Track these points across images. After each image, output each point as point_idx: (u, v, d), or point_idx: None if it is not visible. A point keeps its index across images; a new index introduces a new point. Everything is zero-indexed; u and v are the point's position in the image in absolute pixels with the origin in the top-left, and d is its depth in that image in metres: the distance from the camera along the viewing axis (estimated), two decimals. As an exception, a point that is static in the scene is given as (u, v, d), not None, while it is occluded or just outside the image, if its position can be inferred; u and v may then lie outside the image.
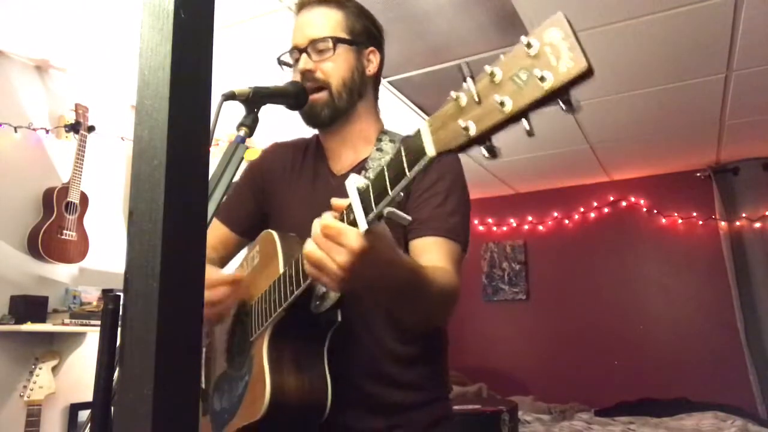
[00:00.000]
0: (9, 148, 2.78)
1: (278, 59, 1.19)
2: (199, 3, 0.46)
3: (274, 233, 1.05)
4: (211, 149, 0.55)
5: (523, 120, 0.52)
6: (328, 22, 1.15)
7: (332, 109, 1.14)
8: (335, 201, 0.79)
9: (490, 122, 0.53)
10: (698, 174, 4.51)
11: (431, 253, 1.02)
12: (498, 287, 5.17)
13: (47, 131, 2.93)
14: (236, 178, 0.94)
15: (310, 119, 1.16)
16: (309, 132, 1.31)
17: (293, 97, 1.10)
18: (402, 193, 0.69)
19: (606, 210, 4.88)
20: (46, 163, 2.94)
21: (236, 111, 0.95)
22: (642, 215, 4.74)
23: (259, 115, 0.99)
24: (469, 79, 0.56)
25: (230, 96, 0.94)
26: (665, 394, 4.18)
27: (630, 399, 4.23)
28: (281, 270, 0.96)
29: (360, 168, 1.15)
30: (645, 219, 4.72)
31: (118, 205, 3.27)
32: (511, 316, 5.07)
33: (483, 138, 0.55)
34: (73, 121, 2.93)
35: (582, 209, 4.96)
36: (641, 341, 4.50)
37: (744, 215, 4.32)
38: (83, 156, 2.89)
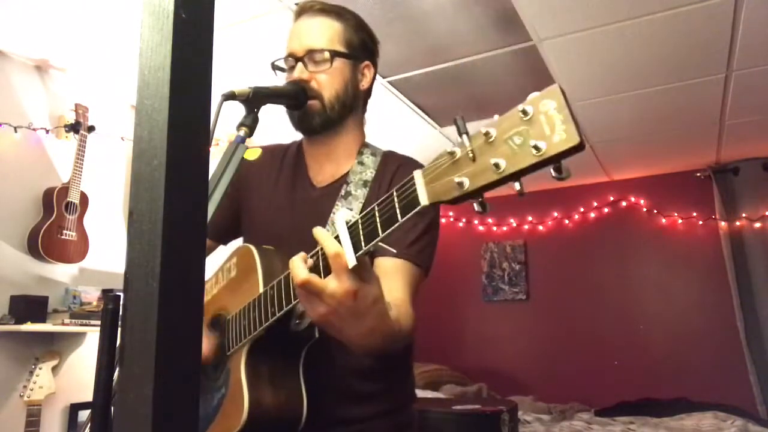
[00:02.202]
0: (9, 148, 2.78)
1: (272, 64, 1.19)
2: (199, 3, 0.46)
3: (253, 248, 1.05)
4: (211, 149, 0.55)
5: (516, 183, 0.56)
6: (327, 32, 1.15)
7: (324, 118, 1.14)
8: (318, 232, 0.78)
9: (485, 181, 0.57)
10: (698, 174, 4.51)
11: (392, 277, 1.03)
12: (498, 287, 5.17)
13: (47, 131, 2.93)
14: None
15: (301, 124, 1.16)
16: (289, 137, 1.31)
17: (293, 97, 1.10)
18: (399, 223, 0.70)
19: (606, 210, 4.88)
20: (46, 163, 2.94)
21: (236, 111, 0.95)
22: (642, 215, 4.74)
23: (259, 115, 0.99)
24: (464, 136, 0.59)
25: (230, 96, 0.94)
26: (665, 394, 4.18)
27: (630, 399, 4.23)
28: (261, 288, 0.97)
29: (342, 182, 1.16)
30: (645, 219, 4.72)
31: (118, 205, 3.27)
32: (511, 316, 5.07)
33: (476, 194, 0.59)
34: (73, 121, 2.93)
35: (582, 209, 4.96)
36: (641, 341, 4.50)
37: (744, 215, 4.32)
38: (83, 156, 2.89)
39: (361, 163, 1.17)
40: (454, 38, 2.67)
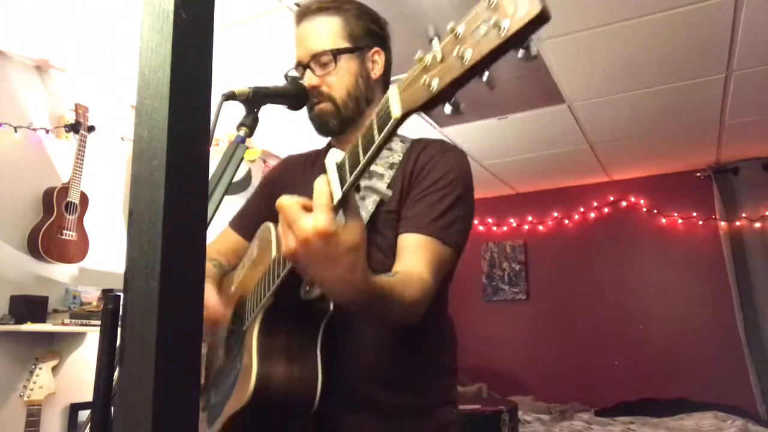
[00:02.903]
0: (9, 148, 2.78)
1: (285, 75, 1.17)
2: (199, 3, 0.46)
3: (271, 225, 1.02)
4: (211, 149, 0.55)
5: (486, 73, 0.53)
6: (328, 31, 1.13)
7: (339, 119, 1.13)
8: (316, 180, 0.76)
9: (452, 76, 0.53)
10: (698, 174, 4.51)
11: (412, 253, 0.98)
12: (498, 287, 5.16)
13: (47, 131, 2.92)
14: (236, 178, 0.94)
15: (320, 128, 1.16)
16: (308, 135, 1.31)
17: (293, 97, 1.09)
18: (389, 191, 0.69)
19: (606, 210, 4.88)
20: (46, 163, 2.94)
21: (236, 111, 0.95)
22: (642, 215, 4.74)
23: (259, 115, 0.99)
24: (435, 39, 0.56)
25: (230, 96, 0.94)
26: (665, 394, 4.18)
27: (630, 399, 4.23)
28: (273, 255, 0.94)
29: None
30: (645, 219, 4.72)
31: (118, 205, 3.27)
32: (511, 316, 5.07)
33: (446, 93, 0.55)
34: (73, 121, 2.93)
35: (582, 209, 4.96)
36: (641, 341, 4.50)
37: (744, 215, 4.32)
38: (83, 156, 2.89)
39: (389, 148, 1.14)
40: (454, 38, 2.67)
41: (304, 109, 1.15)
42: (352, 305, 0.82)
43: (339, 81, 1.12)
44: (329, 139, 1.27)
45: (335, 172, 0.71)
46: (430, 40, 0.57)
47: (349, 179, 0.68)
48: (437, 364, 1.11)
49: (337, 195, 0.70)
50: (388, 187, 1.06)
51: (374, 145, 0.64)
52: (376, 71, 1.18)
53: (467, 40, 0.52)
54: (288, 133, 3.76)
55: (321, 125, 1.15)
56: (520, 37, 0.48)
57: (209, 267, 1.21)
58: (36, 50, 2.81)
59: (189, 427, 0.40)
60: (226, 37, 2.61)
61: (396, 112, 0.61)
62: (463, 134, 3.85)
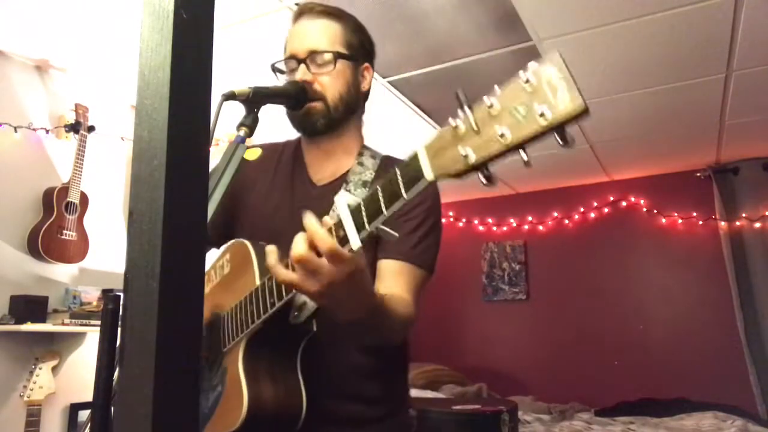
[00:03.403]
0: (9, 148, 2.78)
1: (272, 66, 1.19)
2: (199, 3, 0.46)
3: (248, 243, 1.04)
4: (211, 149, 0.55)
5: (521, 151, 0.55)
6: (329, 34, 1.15)
7: (327, 119, 1.14)
8: (311, 221, 0.77)
9: (490, 151, 0.56)
10: (698, 174, 4.51)
11: (394, 278, 1.05)
12: (498, 287, 5.16)
13: (47, 131, 2.93)
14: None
15: (303, 126, 1.16)
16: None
17: (293, 97, 1.09)
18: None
19: (606, 210, 4.88)
20: (46, 163, 2.94)
21: (236, 111, 0.95)
22: (642, 215, 4.74)
23: (259, 115, 0.99)
24: (466, 108, 0.58)
25: (230, 96, 0.94)
26: (665, 394, 4.18)
27: (630, 399, 4.23)
28: (258, 282, 0.95)
29: (341, 181, 1.16)
30: (645, 219, 4.72)
31: (118, 205, 3.27)
32: (511, 316, 5.07)
33: (482, 166, 0.58)
34: (73, 121, 2.93)
35: (582, 209, 4.96)
36: (641, 341, 4.50)
37: (744, 215, 4.32)
38: (83, 156, 2.89)
39: (360, 164, 1.17)
40: (454, 38, 2.67)
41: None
42: (359, 321, 0.87)
43: (333, 82, 1.13)
44: (298, 137, 1.27)
45: (349, 216, 0.73)
46: (461, 107, 0.58)
47: (368, 228, 0.71)
48: (399, 376, 1.19)
49: (355, 243, 0.72)
50: None
51: (399, 201, 0.66)
52: (365, 85, 1.21)
53: (504, 118, 0.54)
54: (288, 133, 3.75)
55: (307, 123, 1.14)
56: (560, 128, 0.51)
57: None
58: (36, 50, 2.81)
59: (189, 427, 0.40)
60: (226, 37, 2.61)
61: (429, 176, 0.62)
62: (463, 134, 3.84)
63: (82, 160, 2.89)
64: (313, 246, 0.75)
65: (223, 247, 1.14)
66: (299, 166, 1.23)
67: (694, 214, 4.53)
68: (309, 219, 0.76)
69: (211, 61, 0.47)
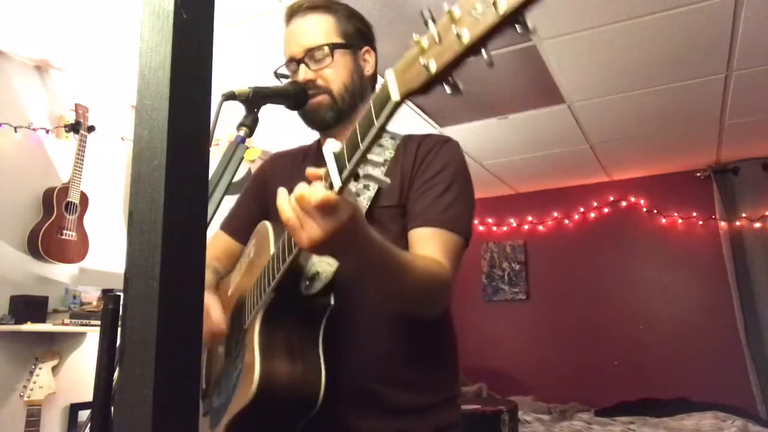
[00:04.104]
0: (9, 148, 2.78)
1: (275, 72, 1.18)
2: (199, 3, 0.46)
3: (268, 224, 1.04)
4: (211, 149, 0.55)
5: (483, 51, 0.52)
6: (321, 28, 1.14)
7: (336, 111, 1.13)
8: (310, 169, 0.77)
9: (450, 56, 0.53)
10: (698, 174, 4.51)
11: (426, 245, 1.00)
12: (498, 287, 5.16)
13: (47, 131, 2.92)
14: (236, 178, 0.94)
15: (314, 122, 1.15)
16: (308, 136, 1.31)
17: (293, 97, 1.09)
18: (387, 180, 0.69)
19: (606, 210, 4.88)
20: (46, 163, 2.94)
21: (236, 111, 0.95)
22: (642, 215, 4.74)
23: (259, 115, 0.99)
24: (430, 22, 0.56)
25: (230, 96, 0.94)
26: (665, 394, 4.18)
27: (630, 399, 4.23)
28: (272, 252, 0.94)
29: None
30: (645, 219, 4.72)
31: (118, 205, 3.26)
32: (511, 316, 5.07)
33: (444, 74, 0.55)
34: (73, 121, 2.93)
35: (582, 209, 4.96)
36: (641, 341, 4.50)
37: (744, 215, 4.32)
38: (83, 156, 2.89)
39: (380, 145, 1.15)
40: (454, 38, 2.67)
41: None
42: (372, 268, 0.85)
43: (335, 74, 1.13)
44: (318, 136, 1.27)
45: (333, 160, 0.71)
46: (426, 22, 0.56)
47: (349, 166, 0.68)
48: (440, 360, 1.10)
49: (337, 183, 0.70)
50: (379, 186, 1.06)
51: (373, 128, 0.64)
52: (368, 69, 1.20)
53: (464, 19, 0.52)
54: (288, 133, 3.76)
55: (316, 118, 1.14)
56: (517, 13, 0.48)
57: (207, 274, 1.21)
58: (36, 50, 2.81)
59: (189, 427, 0.40)
60: (226, 37, 2.61)
61: (395, 95, 0.60)
62: (463, 134, 3.85)
63: (82, 160, 2.89)
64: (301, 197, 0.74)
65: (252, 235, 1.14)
66: (320, 161, 1.23)
67: (694, 214, 4.53)
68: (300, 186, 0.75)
69: (211, 61, 0.47)
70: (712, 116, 3.58)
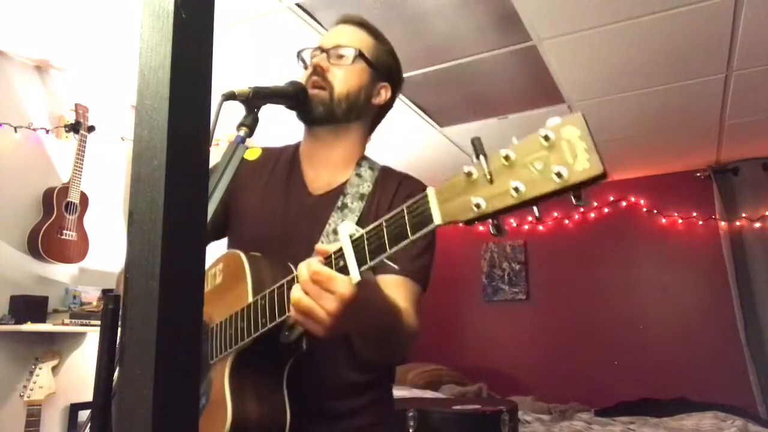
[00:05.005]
0: (9, 148, 2.78)
1: (298, 53, 1.21)
2: (199, 3, 0.46)
3: (242, 255, 1.02)
4: (211, 149, 0.55)
5: (534, 207, 0.55)
6: (360, 40, 1.19)
7: (328, 110, 1.14)
8: (321, 247, 0.79)
9: (503, 204, 0.56)
10: (698, 174, 4.51)
11: (393, 292, 1.03)
12: (498, 287, 5.16)
13: (47, 131, 2.93)
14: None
15: (305, 111, 1.14)
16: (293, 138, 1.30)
17: (293, 97, 1.09)
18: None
19: (606, 210, 4.88)
20: (46, 163, 2.94)
21: (236, 111, 0.95)
22: (642, 215, 4.73)
23: (259, 115, 0.99)
24: (482, 157, 0.57)
25: (230, 96, 0.94)
26: (665, 394, 4.18)
27: (630, 399, 4.23)
28: (250, 298, 0.94)
29: (338, 192, 1.15)
30: (645, 219, 4.72)
31: (118, 205, 3.27)
32: (511, 316, 5.07)
33: (492, 216, 0.58)
34: (73, 121, 2.93)
35: (582, 209, 4.96)
36: (641, 341, 4.50)
37: (744, 215, 4.32)
38: (83, 156, 2.89)
39: (359, 175, 1.17)
40: (454, 38, 2.67)
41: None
42: (376, 337, 0.93)
43: (345, 77, 1.15)
44: (294, 143, 1.27)
45: (350, 247, 0.74)
46: (477, 155, 0.58)
47: (370, 263, 0.72)
48: (382, 389, 1.18)
49: (355, 276, 0.73)
50: (358, 222, 1.10)
51: (404, 241, 0.67)
52: (378, 100, 1.22)
53: (520, 171, 0.54)
54: (288, 133, 3.75)
55: (307, 107, 1.14)
56: (576, 189, 0.51)
57: None
58: (36, 50, 2.81)
59: (189, 427, 0.40)
60: (226, 37, 2.61)
61: (437, 220, 0.63)
62: (463, 134, 3.85)
63: (82, 160, 2.89)
64: (317, 281, 0.76)
65: (217, 256, 1.12)
66: (296, 171, 1.21)
67: (694, 214, 4.53)
68: (312, 261, 0.78)
69: (211, 61, 0.47)
70: (712, 116, 3.58)
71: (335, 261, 0.76)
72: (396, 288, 1.04)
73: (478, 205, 0.57)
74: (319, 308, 0.76)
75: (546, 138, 0.52)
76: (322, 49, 1.17)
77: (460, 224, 0.61)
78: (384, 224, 0.70)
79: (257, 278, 0.97)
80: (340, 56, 1.15)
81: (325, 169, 1.19)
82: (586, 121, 0.51)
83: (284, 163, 1.24)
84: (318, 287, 0.75)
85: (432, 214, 0.63)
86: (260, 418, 0.93)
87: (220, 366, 0.97)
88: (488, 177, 0.56)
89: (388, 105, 1.26)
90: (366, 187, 1.15)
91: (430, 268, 1.13)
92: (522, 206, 0.55)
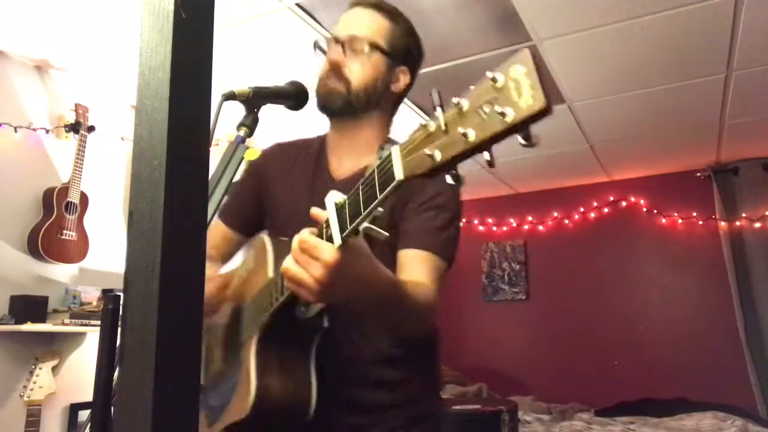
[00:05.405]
0: (9, 148, 2.78)
1: (315, 42, 1.20)
2: (199, 3, 0.46)
3: (266, 239, 1.07)
4: (211, 149, 0.55)
5: (485, 152, 0.55)
6: (375, 26, 1.17)
7: (346, 103, 1.15)
8: (315, 211, 0.82)
9: (454, 152, 0.57)
10: (698, 174, 4.51)
11: (415, 267, 1.05)
12: (498, 287, 5.16)
13: (47, 131, 2.93)
14: (236, 177, 0.94)
15: (323, 105, 1.17)
16: (309, 133, 1.31)
17: (293, 97, 1.09)
18: (380, 209, 0.71)
19: (606, 210, 4.88)
20: (46, 163, 2.94)
21: (236, 111, 0.95)
22: (642, 215, 4.74)
23: (259, 115, 0.99)
24: (438, 108, 0.59)
25: (230, 96, 0.94)
26: (665, 394, 4.18)
27: (630, 399, 4.23)
28: (270, 276, 0.98)
29: (359, 176, 1.15)
30: (645, 219, 4.72)
31: (118, 205, 3.27)
32: (511, 316, 5.07)
33: (447, 165, 0.59)
34: (73, 121, 2.93)
35: (582, 209, 4.96)
36: (641, 341, 4.50)
37: (744, 215, 4.32)
38: (83, 156, 2.89)
39: (379, 157, 1.17)
40: (454, 38, 2.67)
41: (305, 109, 1.15)
42: (376, 307, 0.92)
43: (361, 71, 1.15)
44: (321, 134, 1.28)
45: (335, 214, 0.77)
46: (434, 107, 0.59)
47: (350, 227, 0.74)
48: (420, 362, 1.17)
49: (338, 241, 0.76)
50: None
51: (375, 201, 0.69)
52: (397, 86, 1.22)
53: (471, 117, 0.54)
54: (288, 133, 3.75)
55: (326, 101, 1.16)
56: (523, 127, 0.51)
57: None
58: (36, 50, 2.81)
59: (189, 427, 0.40)
60: (226, 37, 2.61)
61: (399, 176, 0.65)
62: (463, 134, 3.85)
63: (82, 160, 2.89)
64: (304, 249, 0.79)
65: (250, 243, 1.17)
66: (322, 160, 1.25)
67: (694, 214, 4.53)
68: (303, 231, 0.80)
69: (211, 61, 0.47)
70: (712, 116, 3.58)
71: (325, 230, 0.79)
72: (417, 262, 1.05)
73: (432, 156, 0.58)
74: (306, 275, 0.78)
75: (494, 80, 0.52)
76: (337, 41, 1.16)
77: (422, 177, 0.62)
78: (360, 188, 0.72)
79: (278, 258, 0.98)
80: (356, 49, 1.15)
81: (349, 156, 1.21)
82: (534, 56, 0.50)
83: (312, 153, 1.27)
84: (306, 255, 0.78)
85: (395, 170, 0.65)
86: (284, 393, 0.95)
87: (248, 343, 1.00)
88: (443, 128, 0.58)
89: (409, 87, 1.26)
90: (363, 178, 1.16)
91: (454, 242, 1.12)
92: (474, 151, 0.55)
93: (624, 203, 4.82)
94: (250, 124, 0.97)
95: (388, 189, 0.67)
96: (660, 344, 4.43)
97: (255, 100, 0.98)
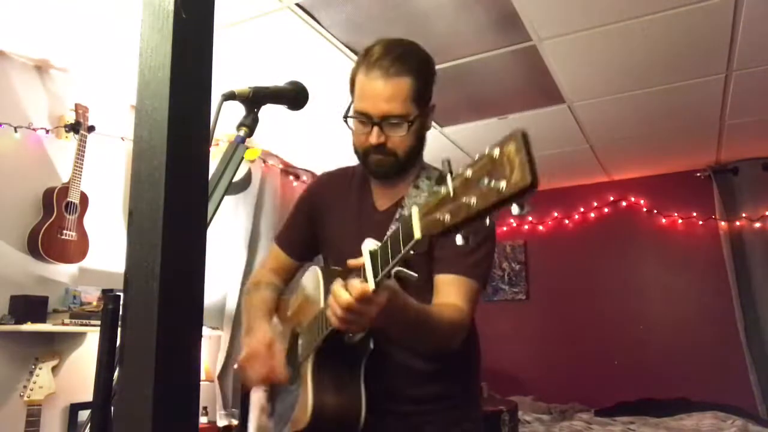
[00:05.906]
0: (9, 148, 2.78)
1: (344, 117, 1.21)
2: (199, 3, 0.46)
3: (318, 269, 1.21)
4: (211, 149, 0.55)
5: (486, 219, 0.62)
6: (403, 95, 1.16)
7: (398, 169, 1.22)
8: (352, 261, 0.93)
9: (460, 218, 0.64)
10: (698, 174, 4.51)
11: (448, 290, 1.15)
12: (498, 287, 5.17)
13: (47, 131, 2.92)
14: (236, 178, 0.94)
15: (375, 174, 1.25)
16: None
17: (293, 97, 1.09)
18: (412, 251, 0.79)
19: (606, 210, 4.88)
20: (46, 163, 2.94)
21: (236, 111, 0.95)
22: (642, 215, 4.74)
23: (259, 115, 0.99)
24: (448, 176, 0.67)
25: (230, 96, 0.94)
26: (665, 394, 4.18)
27: (630, 399, 4.23)
28: (320, 306, 1.12)
29: (397, 206, 1.26)
30: (645, 219, 4.71)
31: (118, 205, 3.26)
32: (511, 316, 5.07)
33: (457, 227, 0.66)
34: (73, 121, 2.93)
35: (582, 209, 4.96)
36: (641, 341, 4.50)
37: (744, 215, 4.32)
38: (83, 156, 2.89)
39: (416, 186, 1.25)
40: (454, 38, 2.67)
41: (305, 109, 1.15)
42: (406, 331, 1.05)
43: (405, 141, 1.19)
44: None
45: (369, 261, 0.88)
46: (444, 176, 0.68)
47: (381, 273, 0.85)
48: (455, 376, 1.27)
49: (371, 286, 0.87)
50: None
51: (399, 254, 0.80)
52: (430, 123, 1.28)
53: (473, 187, 0.62)
54: (288, 133, 3.76)
55: (377, 172, 1.24)
56: (516, 199, 0.57)
57: (267, 292, 1.39)
58: (36, 50, 2.81)
59: (189, 428, 0.40)
60: (226, 37, 2.60)
61: (417, 235, 0.74)
62: (463, 134, 3.85)
63: (82, 160, 2.88)
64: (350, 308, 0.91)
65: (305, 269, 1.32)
66: (365, 191, 1.34)
67: (694, 214, 4.53)
68: (337, 285, 0.93)
69: (211, 61, 0.47)
70: (712, 116, 3.58)
71: (363, 273, 0.89)
72: (449, 286, 1.16)
73: (443, 220, 0.67)
74: (358, 324, 0.94)
75: (492, 156, 0.59)
76: (372, 121, 1.16)
77: (436, 236, 0.70)
78: (388, 241, 0.82)
79: (328, 290, 1.08)
80: (394, 124, 1.17)
81: (390, 187, 1.29)
82: (524, 135, 0.57)
83: (357, 184, 1.36)
84: (355, 314, 0.91)
85: (414, 229, 0.74)
86: (338, 407, 1.10)
87: (306, 364, 1.16)
88: (451, 195, 0.66)
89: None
90: (423, 198, 1.18)
91: (485, 261, 1.21)
92: (476, 218, 0.62)
93: (624, 203, 4.82)
94: (250, 124, 0.96)
95: (409, 245, 0.76)
96: (660, 344, 4.43)
97: (255, 100, 0.98)
